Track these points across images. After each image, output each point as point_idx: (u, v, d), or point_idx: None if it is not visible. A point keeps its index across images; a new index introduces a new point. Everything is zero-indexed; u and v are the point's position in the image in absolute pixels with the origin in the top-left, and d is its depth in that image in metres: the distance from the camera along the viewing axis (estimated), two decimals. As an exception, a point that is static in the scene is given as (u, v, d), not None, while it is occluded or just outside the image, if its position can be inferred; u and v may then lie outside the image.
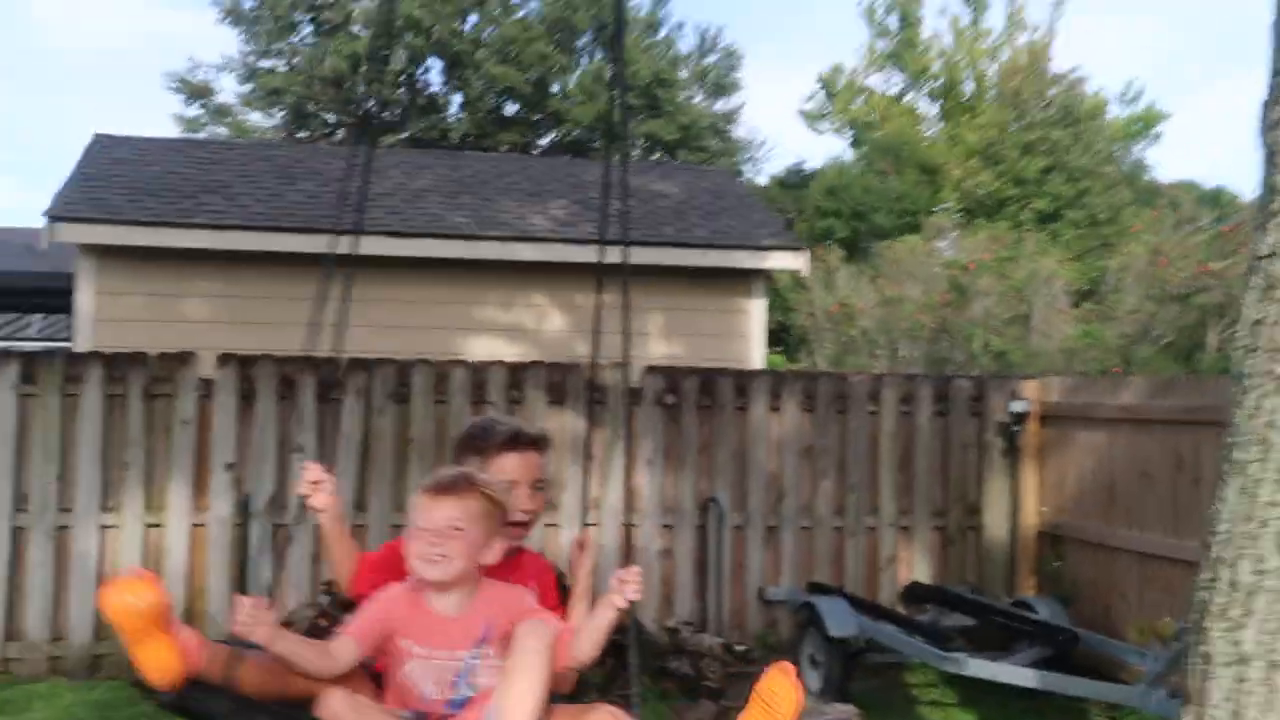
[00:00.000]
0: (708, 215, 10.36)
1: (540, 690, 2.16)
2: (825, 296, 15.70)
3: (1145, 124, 24.44)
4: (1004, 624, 6.18)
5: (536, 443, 2.76)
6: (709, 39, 24.69)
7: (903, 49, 24.45)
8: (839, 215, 20.09)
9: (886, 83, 24.96)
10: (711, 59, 24.63)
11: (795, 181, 22.64)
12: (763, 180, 24.19)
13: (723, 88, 24.87)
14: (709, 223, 10.15)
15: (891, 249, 16.49)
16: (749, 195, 12.05)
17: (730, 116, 24.99)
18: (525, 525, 2.67)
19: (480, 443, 2.69)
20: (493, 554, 2.36)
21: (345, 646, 2.28)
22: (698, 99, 24.57)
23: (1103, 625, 6.29)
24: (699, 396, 6.99)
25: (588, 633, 2.32)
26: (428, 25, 21.93)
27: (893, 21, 24.69)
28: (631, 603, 2.30)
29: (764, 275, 9.92)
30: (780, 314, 15.81)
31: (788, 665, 2.22)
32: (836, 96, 24.96)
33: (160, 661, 2.14)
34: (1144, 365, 12.66)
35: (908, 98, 24.80)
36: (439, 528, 2.30)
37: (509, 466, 2.65)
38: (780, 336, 16.31)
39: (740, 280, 9.80)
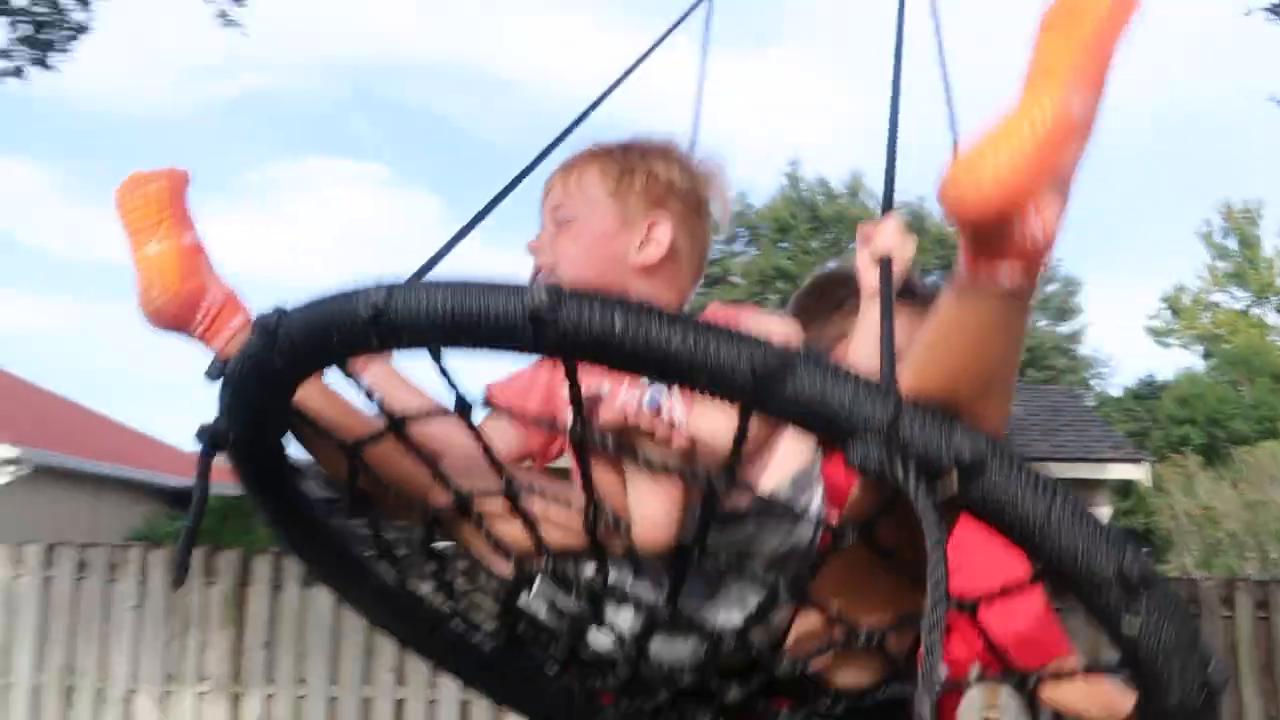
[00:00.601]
0: (1047, 431, 10.15)
1: None
2: (1185, 500, 14.68)
3: None
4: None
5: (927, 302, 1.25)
6: (1048, 271, 24.27)
7: (1244, 267, 22.94)
8: (1194, 423, 18.98)
9: (1230, 298, 23.37)
10: (1053, 288, 24.15)
11: (1148, 393, 21.57)
12: (1114, 393, 23.22)
13: (1066, 311, 24.31)
14: (1048, 438, 9.93)
15: (1252, 454, 15.22)
16: (1087, 410, 11.67)
17: (1075, 337, 24.27)
18: None
19: (843, 291, 1.51)
20: (655, 248, 1.29)
21: (493, 427, 1.21)
22: (1043, 323, 24.09)
23: None
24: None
25: (860, 338, 1.29)
26: (795, 273, 23.18)
27: (1231, 242, 23.32)
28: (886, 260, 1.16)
29: (1106, 485, 9.52)
30: (1144, 517, 15.08)
31: None
32: (1181, 313, 23.63)
33: (154, 266, 1.20)
34: None
35: (1254, 311, 23.02)
36: (542, 229, 1.33)
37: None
38: (1145, 539, 15.34)
39: (1082, 491, 9.45)
